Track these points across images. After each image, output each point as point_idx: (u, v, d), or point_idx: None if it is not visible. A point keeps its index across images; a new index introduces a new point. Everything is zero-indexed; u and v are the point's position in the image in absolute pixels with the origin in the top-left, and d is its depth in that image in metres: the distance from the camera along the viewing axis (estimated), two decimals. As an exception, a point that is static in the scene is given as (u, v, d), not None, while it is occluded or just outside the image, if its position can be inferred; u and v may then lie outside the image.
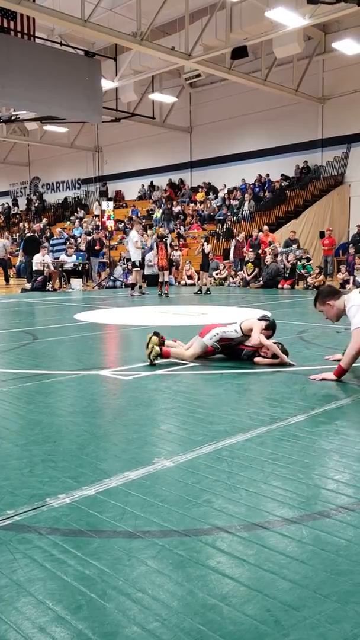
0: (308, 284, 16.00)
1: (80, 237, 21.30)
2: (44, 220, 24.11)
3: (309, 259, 17.25)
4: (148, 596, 1.65)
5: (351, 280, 15.91)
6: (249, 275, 17.21)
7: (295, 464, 2.66)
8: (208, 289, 14.88)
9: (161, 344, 5.11)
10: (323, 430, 3.17)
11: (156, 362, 5.11)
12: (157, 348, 5.05)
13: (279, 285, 16.21)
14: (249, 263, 17.31)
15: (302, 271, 16.71)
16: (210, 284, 14.92)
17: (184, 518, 2.13)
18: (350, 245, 17.96)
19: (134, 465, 2.66)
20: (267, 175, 23.74)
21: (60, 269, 17.33)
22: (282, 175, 23.21)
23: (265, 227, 18.44)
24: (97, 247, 18.70)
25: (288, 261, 16.27)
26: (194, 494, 2.33)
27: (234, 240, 19.27)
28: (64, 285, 17.30)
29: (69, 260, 17.67)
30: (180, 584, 1.71)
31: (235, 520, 2.11)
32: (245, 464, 2.66)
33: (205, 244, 15.13)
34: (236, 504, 2.24)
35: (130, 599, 1.64)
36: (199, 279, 18.35)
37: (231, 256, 18.65)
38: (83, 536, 2.00)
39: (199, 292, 14.83)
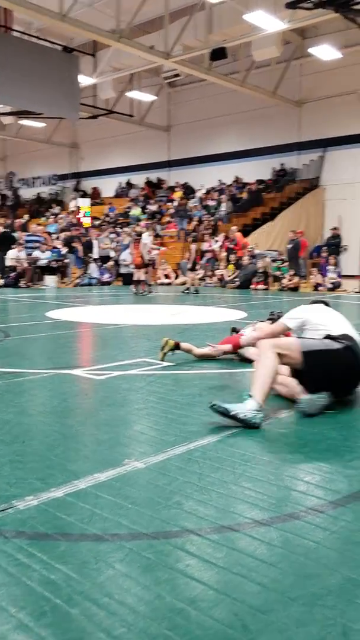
0: (283, 285, 16.10)
1: (55, 233, 21.09)
2: (26, 216, 23.78)
3: (283, 261, 17.38)
4: (114, 601, 1.62)
5: (326, 281, 16.08)
6: (229, 276, 17.24)
7: (266, 465, 2.66)
8: (196, 289, 14.74)
9: (176, 347, 5.11)
10: (294, 431, 3.18)
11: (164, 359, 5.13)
12: (172, 342, 5.06)
13: (251, 286, 16.32)
14: (230, 265, 17.35)
15: (277, 272, 16.82)
16: (192, 284, 14.85)
17: (153, 520, 2.11)
18: (324, 247, 18.13)
19: (104, 466, 2.62)
20: (240, 178, 23.83)
21: (34, 265, 17.14)
22: (257, 180, 23.32)
23: (238, 233, 18.47)
24: (75, 244, 18.56)
25: (258, 268, 16.36)
26: (164, 496, 2.31)
27: (212, 240, 19.28)
28: (38, 282, 17.12)
29: (43, 256, 17.49)
30: (147, 588, 1.69)
31: (205, 522, 2.10)
32: (216, 465, 2.65)
33: (192, 243, 15.08)
34: (206, 506, 2.22)
35: (96, 604, 1.61)
36: (176, 278, 18.37)
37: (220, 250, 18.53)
38: (50, 540, 1.96)
39: (188, 291, 14.59)
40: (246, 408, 3.22)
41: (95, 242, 19.47)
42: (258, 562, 1.83)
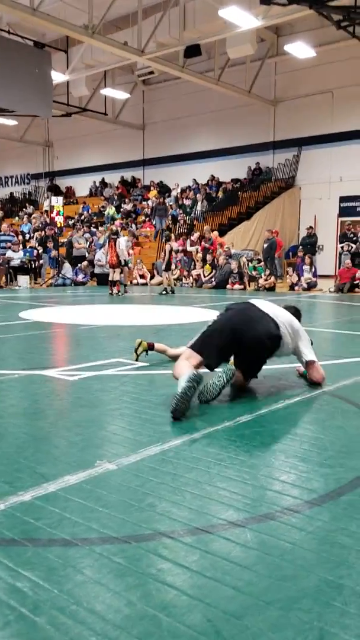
0: (259, 285, 16.13)
1: (28, 233, 20.85)
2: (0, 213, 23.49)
3: (260, 261, 17.41)
4: (83, 609, 1.55)
5: (302, 280, 16.15)
6: (205, 276, 17.20)
7: (241, 465, 2.61)
8: (172, 289, 14.63)
9: (150, 348, 5.02)
10: (269, 430, 3.14)
11: (138, 360, 5.04)
12: (145, 343, 4.98)
13: (228, 286, 16.32)
14: (207, 265, 17.31)
15: (253, 272, 16.84)
16: (169, 284, 14.76)
17: (125, 524, 2.04)
18: (300, 247, 18.21)
19: (75, 468, 2.55)
20: (216, 178, 23.85)
21: (6, 265, 16.89)
22: (232, 179, 23.35)
23: (215, 232, 18.47)
24: (49, 244, 18.35)
25: (232, 269, 16.36)
26: (137, 498, 2.25)
27: (188, 240, 19.24)
28: (10, 283, 16.88)
29: (16, 256, 17.25)
30: (118, 594, 1.62)
31: (178, 524, 2.04)
32: (190, 466, 2.59)
33: (169, 243, 14.98)
34: (180, 508, 2.17)
35: (63, 612, 1.54)
36: (152, 278, 18.27)
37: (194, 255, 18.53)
38: (16, 545, 1.88)
39: (165, 292, 14.44)
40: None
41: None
42: (232, 565, 1.78)
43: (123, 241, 14.11)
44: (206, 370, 3.79)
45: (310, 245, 18.00)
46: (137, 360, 5.02)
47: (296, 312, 4.30)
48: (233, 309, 4.01)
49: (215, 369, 3.81)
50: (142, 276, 18.48)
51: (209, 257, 17.28)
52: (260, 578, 1.70)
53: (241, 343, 3.81)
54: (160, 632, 1.46)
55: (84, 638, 1.44)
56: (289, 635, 1.44)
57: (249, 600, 1.59)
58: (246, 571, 1.74)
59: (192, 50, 17.12)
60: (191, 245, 18.67)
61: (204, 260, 17.52)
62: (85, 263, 18.37)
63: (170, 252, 14.76)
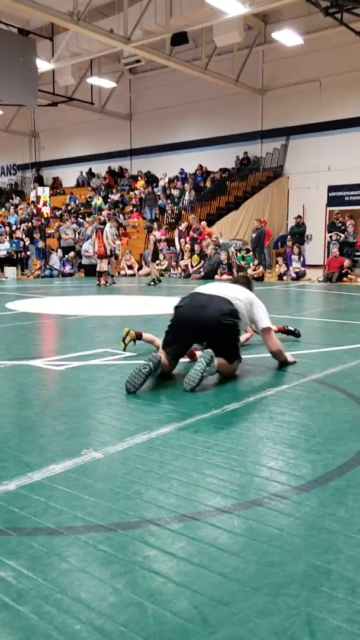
0: (247, 275, 16.12)
1: (15, 224, 20.67)
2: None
3: (248, 250, 17.38)
4: (67, 597, 1.53)
5: (291, 270, 16.15)
6: (193, 266, 17.14)
7: (228, 452, 2.59)
8: (158, 279, 14.53)
9: (138, 337, 4.96)
10: (257, 418, 3.12)
11: (126, 349, 4.98)
12: (133, 333, 4.92)
13: (216, 277, 16.26)
14: (195, 255, 17.25)
15: (242, 262, 16.81)
16: (155, 275, 14.69)
17: (111, 512, 2.01)
18: (288, 237, 18.19)
19: (60, 457, 2.51)
20: (204, 167, 23.75)
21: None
22: (220, 169, 23.26)
23: (203, 222, 18.43)
24: (36, 235, 18.22)
25: (221, 259, 16.32)
26: (123, 486, 2.22)
27: (176, 230, 19.17)
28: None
29: (3, 247, 17.10)
30: (103, 582, 1.60)
31: (165, 511, 2.01)
32: (178, 453, 2.57)
33: (152, 234, 14.89)
34: (167, 495, 2.14)
35: (47, 601, 1.51)
36: (140, 269, 18.17)
37: (177, 246, 18.52)
38: (-1, 535, 1.85)
39: (153, 283, 14.31)
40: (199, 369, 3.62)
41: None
42: (220, 552, 1.76)
43: (108, 229, 14.02)
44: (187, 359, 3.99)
45: (299, 234, 17.99)
46: (124, 349, 4.98)
47: (247, 282, 4.44)
48: (181, 306, 4.04)
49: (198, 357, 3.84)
50: (130, 267, 18.39)
51: (196, 247, 17.22)
52: (248, 564, 1.69)
53: (200, 332, 3.91)
54: (145, 619, 1.44)
55: (68, 626, 1.41)
56: (277, 620, 1.43)
57: (236, 587, 1.57)
58: (233, 557, 1.72)
59: (179, 38, 16.95)
60: (180, 237, 18.58)
61: (192, 251, 17.46)
62: (71, 254, 18.24)
63: (155, 242, 14.69)
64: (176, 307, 4.06)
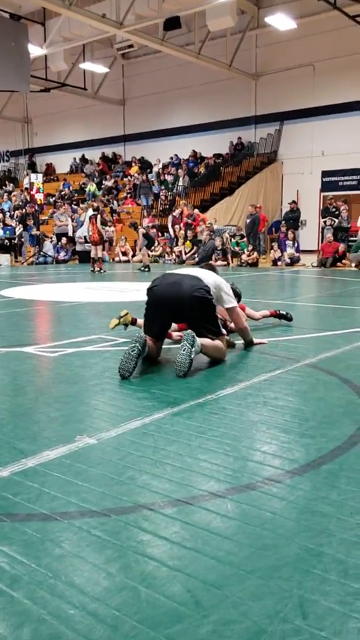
0: (242, 261, 16.09)
1: (9, 211, 20.53)
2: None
3: (242, 236, 17.33)
4: (61, 582, 1.53)
5: (285, 255, 16.11)
6: (186, 253, 17.09)
7: (222, 437, 2.59)
8: (147, 266, 14.46)
9: (132, 323, 4.94)
10: (251, 403, 3.13)
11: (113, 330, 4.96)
12: (130, 316, 4.90)
13: (211, 262, 16.20)
14: (187, 241, 17.19)
15: (236, 248, 16.77)
16: (145, 261, 14.62)
17: (104, 497, 2.02)
18: (283, 222, 18.11)
19: (54, 443, 2.51)
20: (198, 153, 23.61)
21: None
22: (214, 154, 23.13)
23: (196, 210, 18.35)
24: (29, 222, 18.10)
25: (215, 245, 16.25)
26: (117, 472, 2.22)
27: (170, 216, 19.08)
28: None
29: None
30: (96, 567, 1.60)
31: (159, 496, 2.02)
32: (172, 438, 2.57)
33: (138, 230, 14.83)
34: (160, 480, 2.15)
35: (41, 586, 1.52)
36: (134, 255, 18.10)
37: (171, 232, 18.47)
38: (-7, 521, 1.85)
39: (145, 269, 14.29)
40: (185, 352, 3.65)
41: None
42: (213, 536, 1.76)
43: (91, 212, 13.98)
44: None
45: (293, 220, 17.91)
46: (112, 329, 4.90)
47: (213, 269, 4.62)
48: (155, 286, 4.09)
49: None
50: (124, 253, 18.32)
51: (189, 233, 17.16)
52: (241, 548, 1.69)
53: (177, 308, 3.98)
54: (139, 603, 1.44)
55: (62, 611, 1.42)
56: (269, 603, 1.44)
57: (229, 570, 1.58)
58: (226, 541, 1.73)
59: (172, 23, 16.77)
60: (174, 223, 18.51)
61: (186, 237, 17.41)
62: (64, 240, 18.12)
63: (145, 234, 14.68)
64: (150, 288, 4.11)
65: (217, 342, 4.02)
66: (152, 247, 17.78)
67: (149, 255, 14.91)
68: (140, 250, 15.78)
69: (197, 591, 1.49)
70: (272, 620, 1.37)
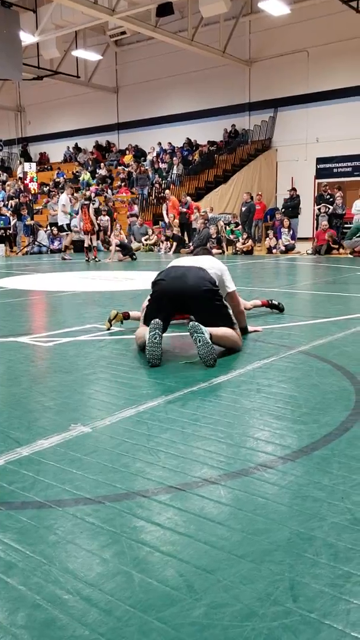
0: (237, 249, 16.07)
1: (2, 200, 20.41)
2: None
3: (237, 224, 17.29)
4: (56, 568, 1.55)
5: (280, 243, 16.07)
6: (169, 250, 17.02)
7: (216, 424, 2.61)
8: (133, 254, 14.45)
9: (125, 317, 4.95)
10: (244, 390, 3.14)
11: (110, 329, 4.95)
12: (121, 315, 4.90)
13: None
14: (175, 220, 17.10)
15: (231, 236, 16.74)
16: (139, 249, 14.60)
17: (98, 484, 2.03)
18: (282, 210, 17.93)
19: (49, 432, 2.53)
20: (193, 140, 23.49)
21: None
22: (209, 141, 23.02)
23: (188, 197, 18.26)
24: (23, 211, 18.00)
25: (210, 233, 16.19)
26: (111, 459, 2.24)
27: (164, 205, 18.99)
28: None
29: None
30: (90, 553, 1.62)
31: (152, 483, 2.04)
32: (165, 426, 2.59)
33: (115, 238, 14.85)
34: (154, 467, 2.16)
35: (35, 572, 1.53)
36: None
37: (166, 219, 18.39)
38: (-13, 509, 1.87)
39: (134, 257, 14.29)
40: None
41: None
42: (206, 521, 1.78)
43: (64, 197, 14.05)
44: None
45: (293, 207, 17.62)
46: (109, 329, 4.95)
47: (210, 252, 4.72)
48: (162, 279, 4.06)
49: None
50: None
51: (175, 221, 17.07)
52: (233, 533, 1.71)
53: (185, 301, 3.95)
54: (132, 588, 1.46)
55: (56, 597, 1.43)
56: (260, 586, 1.46)
57: (222, 555, 1.60)
58: (219, 527, 1.75)
59: (165, 9, 16.65)
60: (167, 211, 18.43)
61: (180, 225, 17.34)
62: (54, 229, 18.00)
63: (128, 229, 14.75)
64: (156, 282, 4.08)
65: (232, 331, 4.01)
66: (147, 236, 17.75)
67: (143, 245, 14.90)
68: (137, 239, 15.75)
69: (189, 575, 1.51)
70: (263, 603, 1.39)
